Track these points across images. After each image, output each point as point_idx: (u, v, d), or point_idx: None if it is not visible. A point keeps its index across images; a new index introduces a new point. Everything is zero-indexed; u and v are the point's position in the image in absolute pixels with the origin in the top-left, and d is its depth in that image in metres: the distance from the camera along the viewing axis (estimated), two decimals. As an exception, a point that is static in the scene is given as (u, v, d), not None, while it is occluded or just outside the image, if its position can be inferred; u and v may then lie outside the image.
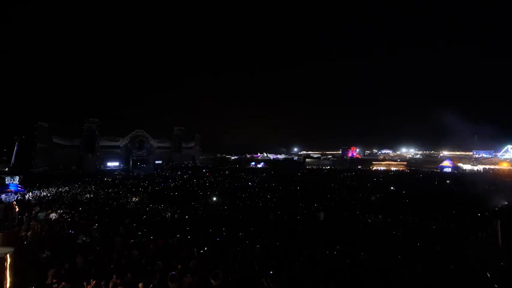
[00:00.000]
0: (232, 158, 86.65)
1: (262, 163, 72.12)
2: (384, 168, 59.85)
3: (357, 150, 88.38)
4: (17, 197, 21.07)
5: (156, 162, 58.05)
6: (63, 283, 5.55)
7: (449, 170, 51.96)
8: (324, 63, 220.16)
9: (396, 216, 13.29)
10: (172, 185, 27.91)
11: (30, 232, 10.09)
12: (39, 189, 24.68)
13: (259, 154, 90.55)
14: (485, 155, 66.91)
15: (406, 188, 23.88)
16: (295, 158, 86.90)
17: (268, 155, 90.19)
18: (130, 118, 56.82)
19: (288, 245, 8.21)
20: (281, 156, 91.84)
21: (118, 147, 54.45)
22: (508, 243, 8.12)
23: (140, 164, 55.27)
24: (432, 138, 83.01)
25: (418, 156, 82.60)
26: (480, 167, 55.34)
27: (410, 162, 68.22)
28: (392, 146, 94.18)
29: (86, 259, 6.73)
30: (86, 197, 20.03)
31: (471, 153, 68.86)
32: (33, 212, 13.75)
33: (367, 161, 70.21)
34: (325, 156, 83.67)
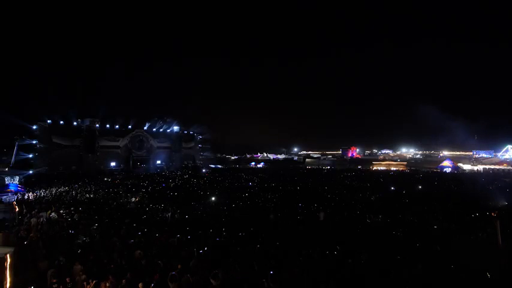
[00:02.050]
0: (232, 158, 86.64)
1: (262, 163, 72.18)
2: (384, 168, 59.88)
3: (357, 150, 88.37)
4: (17, 197, 21.07)
5: (156, 162, 58.04)
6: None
7: (449, 170, 51.97)
8: (324, 63, 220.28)
9: (396, 216, 13.30)
10: (172, 185, 27.92)
11: (32, 232, 10.08)
12: (39, 189, 24.67)
13: (259, 154, 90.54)
14: (485, 155, 66.89)
15: (406, 188, 23.88)
16: (295, 158, 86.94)
17: (268, 155, 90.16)
18: (130, 118, 56.81)
19: (288, 245, 8.20)
20: (281, 156, 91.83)
21: (118, 147, 54.37)
22: (508, 243, 8.12)
23: (140, 164, 55.24)
24: (432, 138, 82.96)
25: (418, 156, 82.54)
26: (480, 167, 55.34)
27: (410, 162, 68.30)
28: (392, 146, 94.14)
29: (84, 265, 6.65)
30: (86, 197, 20.03)
31: (471, 153, 68.84)
32: (33, 212, 13.74)
33: (367, 161, 70.26)
34: (325, 156, 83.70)
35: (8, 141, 43.93)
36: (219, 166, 65.12)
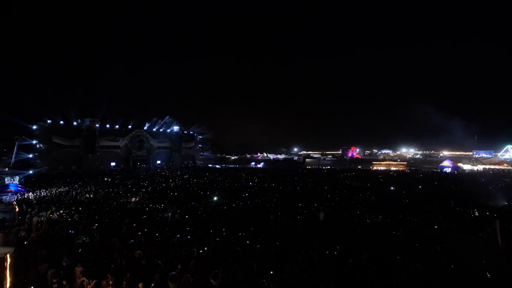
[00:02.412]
0: (232, 158, 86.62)
1: (262, 163, 72.09)
2: (384, 168, 59.79)
3: (357, 150, 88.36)
4: (17, 197, 21.07)
5: (156, 162, 58.09)
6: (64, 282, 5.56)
7: (449, 170, 51.91)
8: (324, 63, 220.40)
9: (396, 216, 13.29)
10: (172, 185, 27.91)
11: (32, 232, 10.08)
12: (39, 189, 24.66)
13: (259, 154, 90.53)
14: (485, 155, 66.83)
15: (406, 188, 23.88)
16: (295, 158, 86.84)
17: (268, 155, 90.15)
18: (130, 118, 56.81)
19: (288, 245, 8.20)
20: (281, 156, 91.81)
21: (118, 147, 54.36)
22: (508, 243, 8.12)
23: (140, 164, 55.26)
24: (432, 138, 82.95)
25: (418, 156, 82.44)
26: (480, 167, 55.27)
27: (410, 162, 68.15)
28: (392, 146, 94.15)
29: (84, 265, 6.63)
30: (86, 197, 20.04)
31: (471, 153, 68.80)
32: (33, 212, 13.74)
33: (367, 161, 70.14)
34: (325, 156, 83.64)
35: (8, 141, 43.93)
36: (224, 165, 65.31)
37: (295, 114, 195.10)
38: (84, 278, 5.74)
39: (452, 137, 65.36)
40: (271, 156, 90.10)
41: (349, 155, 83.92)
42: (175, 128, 64.12)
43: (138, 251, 7.45)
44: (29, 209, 14.66)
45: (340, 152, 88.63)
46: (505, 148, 65.04)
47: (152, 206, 16.12)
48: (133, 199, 18.92)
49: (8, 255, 4.84)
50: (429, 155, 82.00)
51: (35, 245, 8.42)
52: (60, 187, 25.56)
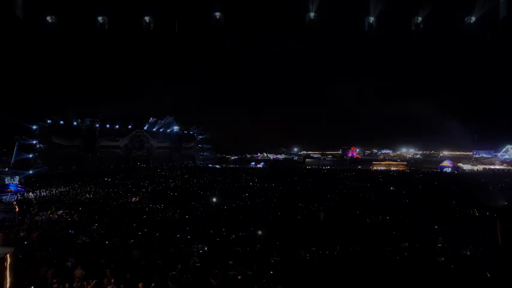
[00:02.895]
0: (232, 158, 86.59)
1: (262, 163, 72.15)
2: (384, 168, 59.81)
3: (357, 150, 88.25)
4: (17, 197, 21.07)
5: (157, 162, 58.12)
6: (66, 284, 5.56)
7: (449, 170, 51.93)
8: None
9: (396, 216, 13.30)
10: (172, 185, 27.93)
11: (35, 233, 10.07)
12: (39, 189, 24.66)
13: (259, 154, 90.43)
14: (485, 155, 66.80)
15: (406, 188, 23.89)
16: (295, 158, 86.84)
17: (268, 155, 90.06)
18: (130, 118, 56.95)
19: (288, 245, 8.20)
20: (281, 156, 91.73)
21: (118, 147, 54.37)
22: (508, 243, 8.12)
23: (140, 164, 55.26)
24: (432, 138, 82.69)
25: (418, 156, 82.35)
26: (480, 167, 55.29)
27: (410, 162, 68.16)
28: (392, 146, 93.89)
29: (84, 265, 6.61)
30: (86, 197, 20.05)
31: (471, 153, 68.75)
32: (33, 212, 13.75)
33: (367, 161, 70.19)
34: (325, 156, 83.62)
35: (8, 141, 43.94)
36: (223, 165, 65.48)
37: (296, 114, 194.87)
38: (82, 280, 5.74)
39: (452, 137, 65.37)
40: (271, 156, 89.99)
41: (349, 155, 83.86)
42: (175, 128, 64.07)
43: (138, 251, 7.45)
44: (30, 208, 14.68)
45: (340, 152, 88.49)
46: (505, 148, 65.01)
47: (152, 206, 16.13)
48: (134, 199, 18.93)
49: (8, 255, 4.85)
50: (429, 155, 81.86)
51: (35, 245, 8.42)
52: (60, 187, 25.55)
